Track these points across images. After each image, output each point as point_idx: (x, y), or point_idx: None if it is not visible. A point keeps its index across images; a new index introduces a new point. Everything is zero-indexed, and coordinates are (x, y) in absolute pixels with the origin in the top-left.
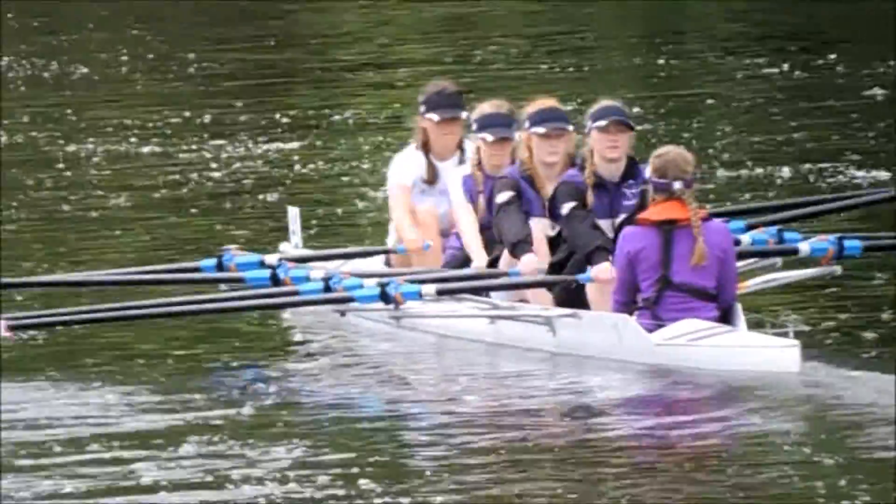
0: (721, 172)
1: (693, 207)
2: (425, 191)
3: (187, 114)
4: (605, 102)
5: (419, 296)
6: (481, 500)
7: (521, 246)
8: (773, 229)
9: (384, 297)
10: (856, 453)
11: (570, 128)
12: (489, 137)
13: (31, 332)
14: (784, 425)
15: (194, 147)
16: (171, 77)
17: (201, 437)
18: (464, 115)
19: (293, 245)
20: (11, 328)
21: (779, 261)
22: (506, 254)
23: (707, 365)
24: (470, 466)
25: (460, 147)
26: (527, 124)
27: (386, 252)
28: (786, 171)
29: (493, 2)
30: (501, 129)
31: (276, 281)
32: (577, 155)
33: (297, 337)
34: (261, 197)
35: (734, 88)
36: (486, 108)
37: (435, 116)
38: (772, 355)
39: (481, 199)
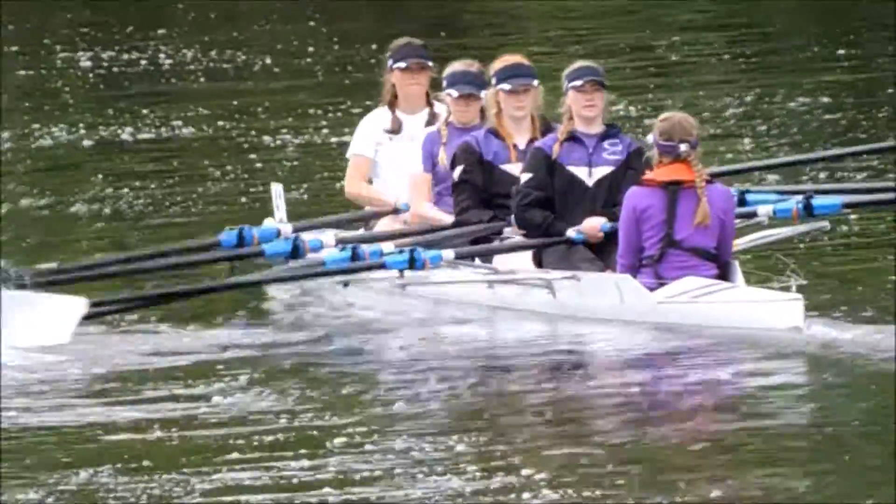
0: None
1: (698, 169)
2: (392, 139)
3: (368, 103)
4: (580, 63)
5: (441, 259)
6: (485, 458)
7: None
8: (735, 190)
9: (412, 262)
10: (859, 403)
11: (536, 82)
12: (454, 93)
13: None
14: (788, 378)
15: None
16: (351, 69)
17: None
18: (430, 64)
19: (277, 220)
20: (94, 304)
21: (765, 219)
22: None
23: (710, 321)
24: (472, 426)
25: (430, 104)
26: (494, 81)
27: (396, 212)
28: None
29: None
30: (466, 87)
31: (295, 252)
32: (542, 114)
33: (301, 307)
34: None
35: None
36: (456, 66)
37: (402, 63)
38: (775, 309)
39: (442, 151)
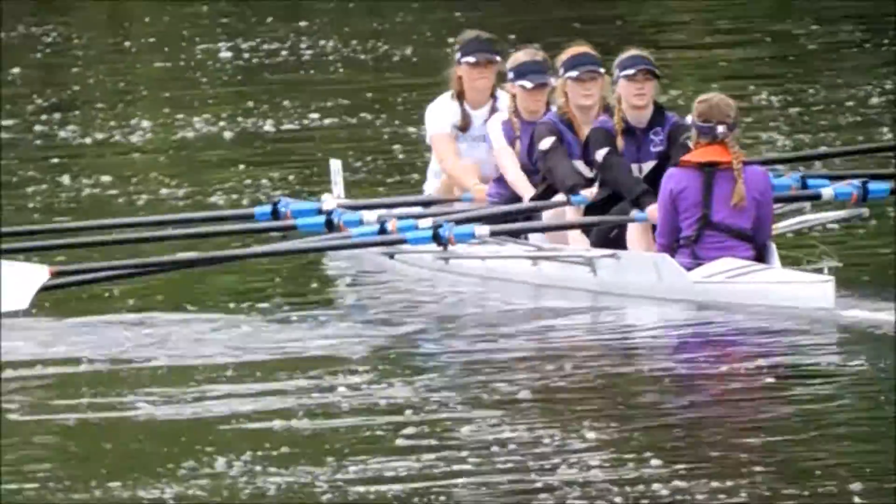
0: None
1: (735, 151)
2: (458, 137)
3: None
4: (632, 52)
5: (473, 236)
6: (522, 435)
7: (576, 188)
8: (797, 175)
9: (437, 238)
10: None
11: (602, 71)
12: (528, 84)
13: (77, 279)
14: (819, 358)
15: None
16: None
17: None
18: (498, 59)
19: (335, 196)
20: (56, 273)
21: (807, 205)
22: (561, 198)
23: (744, 300)
24: (512, 404)
25: (493, 96)
26: (561, 70)
27: (449, 202)
28: None
29: None
30: (538, 76)
31: (330, 226)
32: (607, 102)
33: (346, 281)
34: None
35: None
36: (521, 56)
37: (471, 59)
38: (807, 291)
39: (518, 144)
